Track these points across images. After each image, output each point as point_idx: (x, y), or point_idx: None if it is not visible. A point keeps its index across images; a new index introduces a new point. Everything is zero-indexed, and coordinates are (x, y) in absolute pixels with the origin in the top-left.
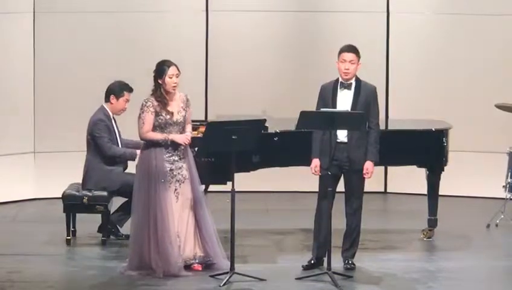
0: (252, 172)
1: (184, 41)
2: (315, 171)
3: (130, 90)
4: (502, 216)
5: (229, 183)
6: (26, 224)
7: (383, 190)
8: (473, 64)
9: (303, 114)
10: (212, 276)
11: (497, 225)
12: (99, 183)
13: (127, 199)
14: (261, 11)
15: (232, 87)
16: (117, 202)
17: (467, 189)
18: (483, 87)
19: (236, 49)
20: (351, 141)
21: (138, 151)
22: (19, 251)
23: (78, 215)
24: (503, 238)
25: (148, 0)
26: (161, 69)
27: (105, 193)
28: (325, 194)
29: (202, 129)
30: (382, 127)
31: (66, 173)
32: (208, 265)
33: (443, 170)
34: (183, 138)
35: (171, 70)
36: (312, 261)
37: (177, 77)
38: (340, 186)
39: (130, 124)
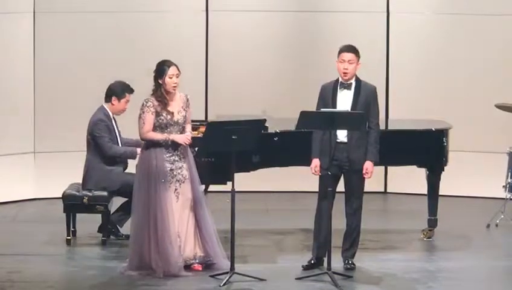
0: (252, 172)
1: (184, 41)
2: (315, 171)
3: (131, 91)
4: (502, 216)
5: (229, 183)
6: (26, 224)
7: (383, 190)
8: (473, 64)
9: (303, 114)
10: (212, 276)
11: (497, 225)
12: (100, 183)
13: (127, 199)
14: (261, 11)
15: (232, 87)
16: (117, 202)
17: (467, 189)
18: (483, 87)
19: (236, 49)
20: (351, 141)
21: (138, 150)
22: (19, 251)
23: (78, 215)
24: (503, 238)
25: (148, 0)
26: (161, 69)
27: (105, 193)
28: (325, 194)
29: (202, 129)
30: (382, 127)
31: (66, 173)
32: (208, 265)
33: (443, 170)
34: (184, 138)
35: (171, 71)
36: (312, 261)
37: (177, 77)
38: (340, 186)
39: (130, 124)
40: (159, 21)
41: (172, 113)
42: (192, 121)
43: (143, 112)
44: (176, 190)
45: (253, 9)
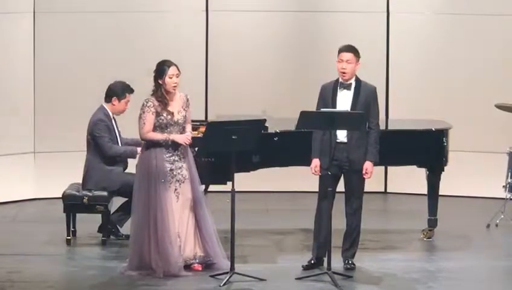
0: (252, 172)
1: (184, 41)
2: (315, 171)
3: (131, 91)
4: (502, 216)
5: (229, 183)
6: (26, 224)
7: (383, 190)
8: (473, 64)
9: (303, 114)
10: (212, 276)
11: (497, 225)
12: (100, 183)
13: (127, 199)
14: (261, 11)
15: (232, 87)
16: (117, 202)
17: (467, 189)
18: (483, 87)
19: (236, 49)
20: (351, 141)
21: (139, 149)
22: (19, 251)
23: (78, 215)
24: (503, 238)
25: (148, 0)
26: (161, 69)
27: (105, 193)
28: (325, 194)
29: (202, 129)
30: (382, 127)
31: (66, 173)
32: (208, 265)
33: (443, 170)
34: (184, 138)
35: (171, 71)
36: (312, 261)
37: (177, 77)
38: (340, 187)
39: (130, 124)
40: (158, 21)
41: (173, 113)
42: (192, 121)
43: (143, 112)
44: (175, 189)
45: (253, 9)
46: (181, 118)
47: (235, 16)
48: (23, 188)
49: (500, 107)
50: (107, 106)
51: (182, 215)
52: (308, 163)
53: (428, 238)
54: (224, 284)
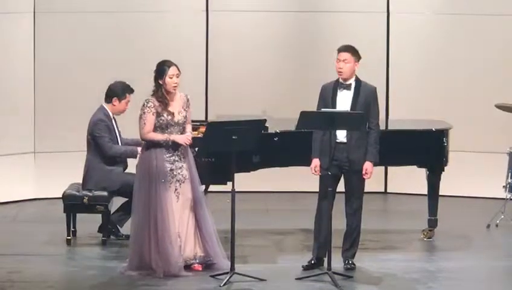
0: (252, 172)
1: (184, 41)
2: (315, 171)
3: (131, 91)
4: (502, 216)
5: (229, 184)
6: (26, 224)
7: (383, 190)
8: (473, 64)
9: (303, 114)
10: (212, 276)
11: (497, 225)
12: (100, 183)
13: (127, 199)
14: (261, 11)
15: (232, 87)
16: (117, 202)
17: (467, 189)
18: (483, 87)
19: (236, 49)
20: (351, 141)
21: (139, 149)
22: (19, 251)
23: (79, 216)
24: (503, 238)
25: (148, 0)
26: (161, 69)
27: (105, 193)
28: (325, 194)
29: (202, 129)
30: (382, 127)
31: (66, 173)
32: (208, 265)
33: (443, 170)
34: (184, 139)
35: (172, 71)
36: (312, 262)
37: (177, 77)
38: (340, 187)
39: (131, 124)
40: (158, 21)
41: (173, 113)
42: (193, 121)
43: (144, 113)
44: (176, 190)
45: (253, 9)
46: (181, 119)
47: (235, 16)
48: (23, 188)
49: (500, 107)
50: (107, 106)
51: (182, 216)
52: (308, 163)
53: (429, 238)
54: (224, 284)
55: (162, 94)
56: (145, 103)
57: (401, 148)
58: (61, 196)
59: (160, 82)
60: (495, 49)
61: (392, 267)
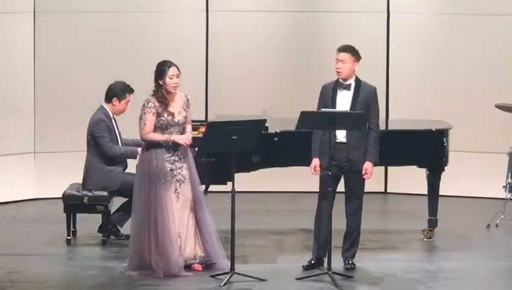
0: (252, 172)
1: (184, 41)
2: (315, 171)
3: (131, 91)
4: (502, 216)
5: (229, 184)
6: (26, 224)
7: (383, 190)
8: (473, 64)
9: (303, 114)
10: (212, 276)
11: (497, 225)
12: (100, 183)
13: (127, 199)
14: (261, 11)
15: (232, 87)
16: (117, 202)
17: (467, 189)
18: (483, 87)
19: (236, 49)
20: (350, 141)
21: (139, 149)
22: (19, 251)
23: (79, 216)
24: (503, 238)
25: (148, 0)
26: (161, 69)
27: (105, 193)
28: (325, 194)
29: (202, 129)
30: (382, 127)
31: (66, 173)
32: (208, 265)
33: (443, 170)
34: (185, 139)
35: (172, 71)
36: (312, 262)
37: (177, 77)
38: (340, 187)
39: (131, 124)
40: (158, 21)
41: (173, 114)
42: (193, 121)
43: (144, 113)
44: (176, 190)
45: (253, 9)
46: (182, 119)
47: (235, 16)
48: (23, 188)
49: (500, 107)
50: (107, 106)
51: (182, 216)
52: (308, 163)
53: (429, 238)
54: (224, 284)
55: (162, 94)
56: (145, 103)
57: (401, 148)
58: (61, 196)
59: (161, 82)
60: (495, 49)
61: (392, 267)
